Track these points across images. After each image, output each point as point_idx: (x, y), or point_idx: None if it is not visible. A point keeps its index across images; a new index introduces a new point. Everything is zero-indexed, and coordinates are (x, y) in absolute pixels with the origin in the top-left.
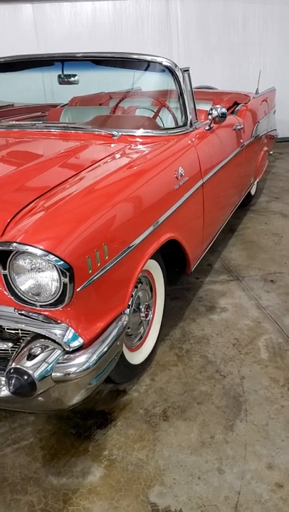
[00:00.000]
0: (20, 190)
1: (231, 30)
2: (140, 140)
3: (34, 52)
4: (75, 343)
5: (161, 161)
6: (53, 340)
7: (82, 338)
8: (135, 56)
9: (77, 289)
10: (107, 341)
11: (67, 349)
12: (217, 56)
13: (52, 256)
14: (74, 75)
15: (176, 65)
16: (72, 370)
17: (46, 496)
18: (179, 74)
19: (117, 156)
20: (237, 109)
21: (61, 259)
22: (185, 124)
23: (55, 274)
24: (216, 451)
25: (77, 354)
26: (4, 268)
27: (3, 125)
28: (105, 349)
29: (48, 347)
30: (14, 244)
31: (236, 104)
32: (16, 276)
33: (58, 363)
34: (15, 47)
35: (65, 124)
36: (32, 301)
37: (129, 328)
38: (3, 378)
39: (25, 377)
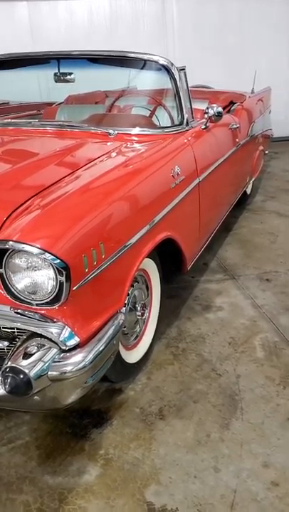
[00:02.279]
0: (16, 189)
1: (227, 29)
2: (136, 138)
3: (29, 51)
4: (72, 342)
5: (157, 160)
6: (49, 339)
7: (78, 337)
8: (131, 55)
9: (74, 288)
10: (104, 340)
11: (64, 348)
12: (213, 55)
13: (48, 254)
14: (70, 73)
15: (172, 64)
16: (69, 368)
17: (42, 496)
18: (175, 72)
19: (113, 154)
20: (233, 108)
21: (57, 258)
22: (181, 123)
23: (51, 273)
24: (212, 450)
25: (73, 353)
26: (0, 266)
27: None
28: (101, 348)
29: (44, 346)
30: (10, 242)
31: (232, 103)
32: (12, 274)
33: (54, 362)
34: (10, 45)
35: (61, 123)
36: (28, 300)
37: (125, 327)
38: None
39: (21, 376)
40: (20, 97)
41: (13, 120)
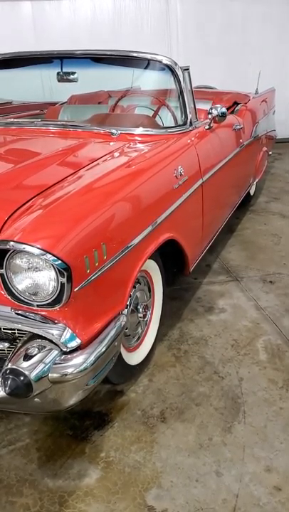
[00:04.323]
0: (18, 188)
1: (230, 29)
2: (139, 139)
3: (32, 50)
4: (73, 344)
5: (160, 160)
6: (50, 341)
7: (79, 339)
8: (135, 54)
9: (75, 289)
10: (105, 342)
11: (65, 349)
12: (216, 56)
13: (49, 255)
14: (73, 73)
15: (176, 64)
16: (70, 370)
17: (42, 499)
18: (179, 72)
19: (116, 154)
20: (237, 108)
21: (59, 259)
22: (185, 123)
23: (52, 274)
24: (214, 454)
25: (74, 355)
26: (1, 267)
27: (2, 122)
28: (103, 350)
29: (44, 347)
30: (11, 243)
31: (236, 103)
32: (13, 275)
33: (55, 364)
34: (13, 44)
35: (64, 122)
36: (29, 301)
37: (127, 329)
38: None
39: (22, 378)
40: (24, 97)
41: (16, 120)
